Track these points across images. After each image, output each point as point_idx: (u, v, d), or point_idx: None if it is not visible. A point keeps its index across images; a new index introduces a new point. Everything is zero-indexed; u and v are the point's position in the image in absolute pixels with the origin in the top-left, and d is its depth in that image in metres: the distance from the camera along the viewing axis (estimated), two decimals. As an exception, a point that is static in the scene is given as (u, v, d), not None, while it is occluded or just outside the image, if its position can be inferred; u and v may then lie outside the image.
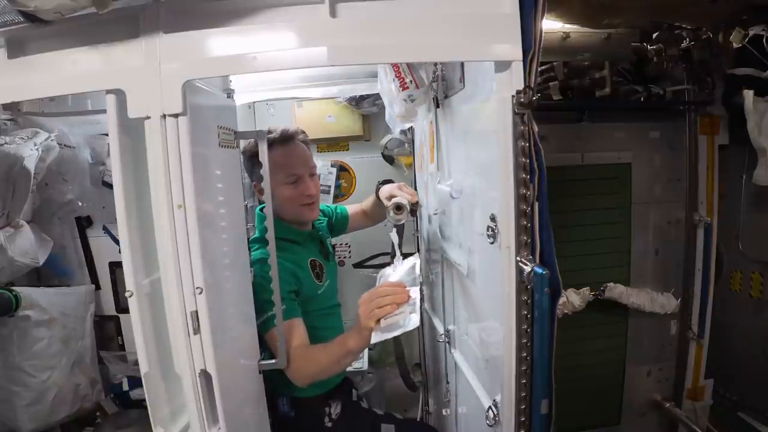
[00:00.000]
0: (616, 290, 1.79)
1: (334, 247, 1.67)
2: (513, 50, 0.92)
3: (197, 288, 0.92)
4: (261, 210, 1.41)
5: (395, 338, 1.97)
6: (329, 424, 1.42)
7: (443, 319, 1.70)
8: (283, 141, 1.40)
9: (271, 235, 1.16)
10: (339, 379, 1.52)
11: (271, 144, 1.37)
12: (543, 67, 1.71)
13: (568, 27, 1.58)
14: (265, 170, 1.20)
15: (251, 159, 1.40)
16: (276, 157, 1.36)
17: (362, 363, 2.21)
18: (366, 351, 2.30)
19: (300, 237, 1.45)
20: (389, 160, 2.49)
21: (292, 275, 1.32)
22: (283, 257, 1.30)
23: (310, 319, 1.34)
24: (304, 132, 1.49)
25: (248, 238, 1.36)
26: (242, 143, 1.44)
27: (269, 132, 1.39)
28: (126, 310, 1.86)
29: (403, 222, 1.50)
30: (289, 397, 1.40)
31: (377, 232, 2.56)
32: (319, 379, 1.28)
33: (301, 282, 1.34)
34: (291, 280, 1.31)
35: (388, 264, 1.36)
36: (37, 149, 1.74)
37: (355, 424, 1.49)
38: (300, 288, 1.34)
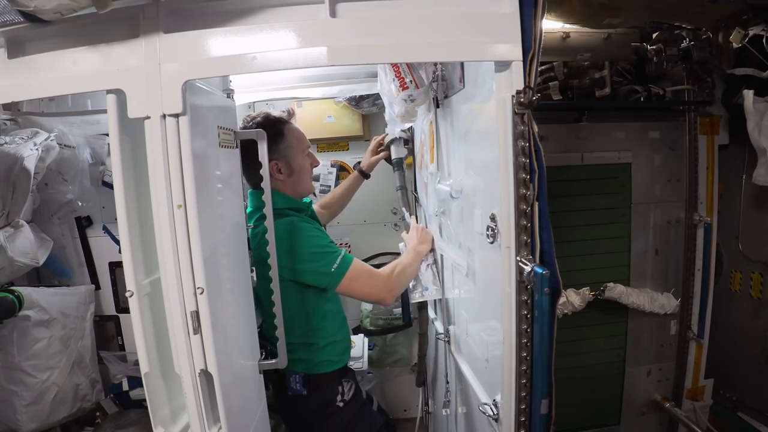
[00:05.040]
0: (616, 290, 1.79)
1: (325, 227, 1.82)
2: (513, 50, 0.92)
3: (198, 288, 0.92)
4: (253, 190, 1.47)
5: (422, 338, 2.23)
6: (340, 404, 1.43)
7: (443, 319, 1.70)
8: (291, 118, 1.52)
9: (270, 225, 1.20)
10: (347, 357, 1.55)
11: (286, 121, 1.48)
12: (543, 67, 1.71)
13: (568, 27, 1.58)
14: (264, 171, 1.20)
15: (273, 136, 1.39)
16: (295, 132, 1.48)
17: (362, 363, 2.21)
18: (366, 351, 2.31)
19: (304, 206, 1.52)
20: (388, 159, 2.49)
21: (322, 231, 1.45)
22: (308, 220, 1.45)
23: (320, 301, 1.41)
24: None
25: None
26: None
27: (254, 118, 1.45)
28: (126, 310, 1.86)
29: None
30: (302, 374, 1.40)
31: (377, 233, 2.57)
32: (403, 289, 1.54)
33: None
34: (324, 234, 1.43)
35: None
36: (37, 149, 1.73)
37: (364, 417, 1.50)
38: None
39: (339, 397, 1.43)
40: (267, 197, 1.20)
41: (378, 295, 1.39)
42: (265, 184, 1.20)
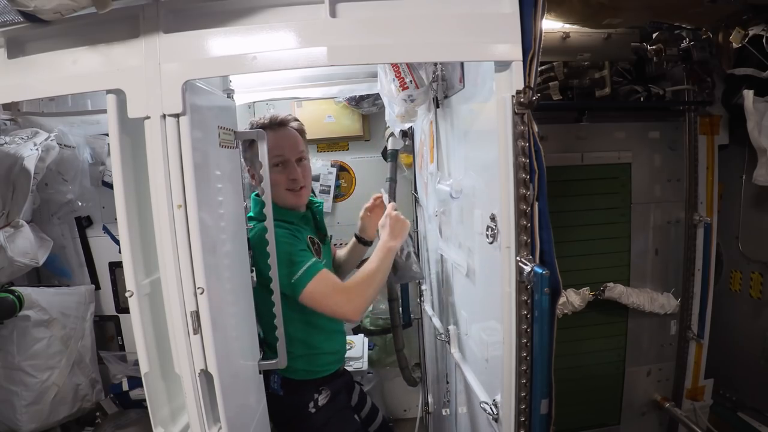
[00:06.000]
0: (616, 290, 1.79)
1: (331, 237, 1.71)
2: (513, 50, 0.92)
3: (198, 288, 0.92)
4: (256, 195, 1.46)
5: (395, 333, 2.23)
6: (312, 410, 1.42)
7: (443, 319, 1.70)
8: (274, 126, 1.43)
9: (270, 225, 1.19)
10: (333, 368, 1.51)
11: (264, 130, 1.39)
12: (543, 67, 1.71)
13: (568, 27, 1.58)
14: (265, 170, 1.20)
15: (246, 143, 1.42)
16: (268, 143, 1.39)
17: (362, 363, 2.22)
18: (366, 351, 2.31)
19: (295, 218, 1.47)
20: (384, 153, 2.49)
21: (296, 239, 1.37)
22: (290, 230, 1.37)
23: (302, 311, 1.34)
24: (297, 120, 1.51)
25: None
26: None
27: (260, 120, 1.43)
28: (126, 310, 1.86)
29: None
30: (282, 376, 1.41)
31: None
32: (374, 299, 1.40)
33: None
34: (297, 242, 1.36)
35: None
36: (37, 149, 1.74)
37: (337, 423, 1.47)
38: None
39: (311, 404, 1.42)
40: (267, 197, 1.20)
41: (343, 315, 1.30)
42: (265, 184, 1.20)
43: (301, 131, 1.50)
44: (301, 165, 1.44)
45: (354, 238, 1.70)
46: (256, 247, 1.28)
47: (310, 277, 1.26)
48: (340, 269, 1.74)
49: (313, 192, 2.42)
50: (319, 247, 1.49)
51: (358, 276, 1.34)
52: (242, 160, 1.47)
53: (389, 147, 2.18)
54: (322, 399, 1.43)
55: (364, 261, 1.53)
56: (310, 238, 1.46)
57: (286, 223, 1.41)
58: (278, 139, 1.41)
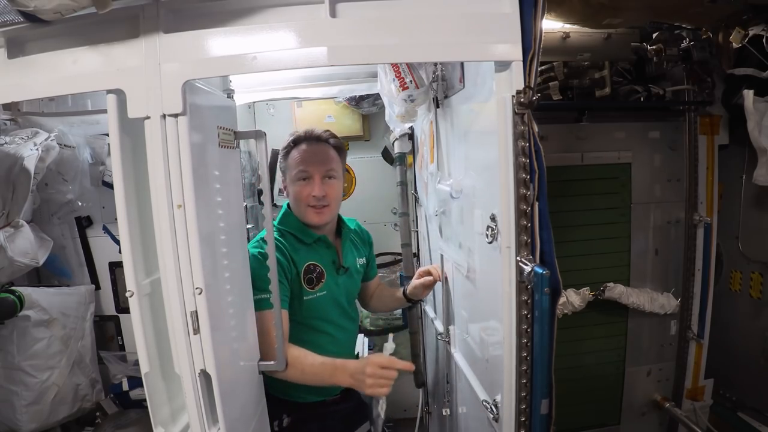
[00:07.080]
0: (616, 290, 1.79)
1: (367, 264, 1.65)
2: (513, 50, 0.92)
3: (197, 288, 0.92)
4: (288, 206, 1.46)
5: (413, 339, 2.23)
6: (276, 429, 1.40)
7: (443, 319, 1.70)
8: (309, 140, 1.41)
9: (269, 226, 1.18)
10: (311, 399, 1.45)
11: (297, 142, 1.42)
12: (543, 67, 1.71)
13: (568, 27, 1.58)
14: (264, 170, 1.20)
15: (283, 153, 1.45)
16: (294, 153, 1.41)
17: (362, 363, 2.21)
18: (366, 351, 2.31)
19: (309, 239, 1.42)
20: (389, 159, 2.50)
21: (280, 266, 1.30)
22: (281, 249, 1.32)
23: (292, 328, 1.31)
24: (336, 138, 1.47)
25: (249, 238, 1.37)
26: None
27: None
28: (126, 310, 1.86)
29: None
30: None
31: (377, 233, 2.57)
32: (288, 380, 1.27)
33: (287, 280, 1.33)
34: (280, 270, 1.29)
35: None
36: (37, 149, 1.74)
37: None
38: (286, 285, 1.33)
39: (276, 423, 1.39)
40: (266, 197, 1.20)
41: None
42: (264, 185, 1.21)
43: (339, 148, 1.46)
44: (327, 183, 1.39)
45: (401, 292, 1.69)
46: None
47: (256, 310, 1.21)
48: (371, 304, 1.76)
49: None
50: (319, 275, 1.40)
51: (306, 360, 1.25)
52: (279, 168, 1.48)
53: (396, 150, 2.16)
54: (286, 422, 1.42)
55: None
56: (311, 264, 1.39)
57: (295, 239, 1.39)
58: (306, 153, 1.39)
